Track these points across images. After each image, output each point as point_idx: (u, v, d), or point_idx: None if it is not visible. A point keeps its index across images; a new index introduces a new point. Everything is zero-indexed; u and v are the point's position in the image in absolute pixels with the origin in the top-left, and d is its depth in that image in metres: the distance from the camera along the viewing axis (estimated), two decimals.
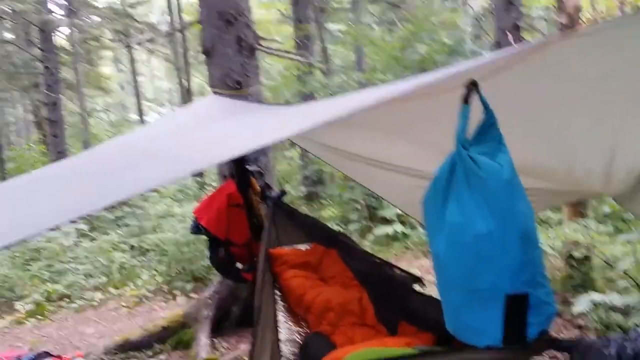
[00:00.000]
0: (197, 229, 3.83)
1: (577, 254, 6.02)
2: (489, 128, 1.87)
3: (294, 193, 12.40)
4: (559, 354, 4.65)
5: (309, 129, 2.15)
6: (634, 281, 4.84)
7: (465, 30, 14.23)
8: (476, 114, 1.87)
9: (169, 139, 3.24)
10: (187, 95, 16.16)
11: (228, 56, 5.80)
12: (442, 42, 12.11)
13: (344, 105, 2.54)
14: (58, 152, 13.95)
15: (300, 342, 3.35)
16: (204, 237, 4.18)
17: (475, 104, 1.86)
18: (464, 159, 1.81)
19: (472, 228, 1.77)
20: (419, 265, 8.14)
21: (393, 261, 5.83)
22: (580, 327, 5.29)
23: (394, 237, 10.09)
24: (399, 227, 10.11)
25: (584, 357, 1.69)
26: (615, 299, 4.78)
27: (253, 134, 2.84)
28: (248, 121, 3.35)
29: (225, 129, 3.21)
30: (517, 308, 1.75)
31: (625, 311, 4.88)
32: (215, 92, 5.44)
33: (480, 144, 1.85)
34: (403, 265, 7.64)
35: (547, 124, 2.24)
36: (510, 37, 7.09)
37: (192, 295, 8.16)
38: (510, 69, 1.87)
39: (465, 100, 1.82)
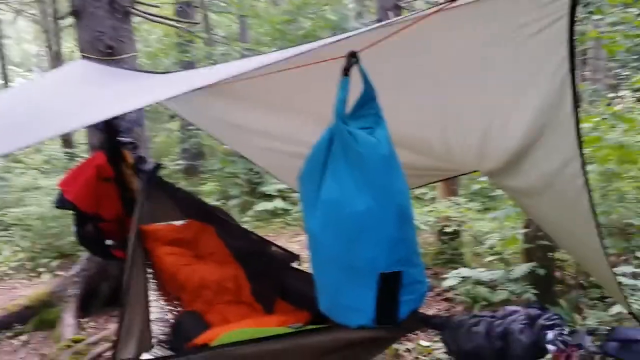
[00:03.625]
0: (62, 202, 3.58)
1: (448, 229, 6.31)
2: (368, 102, 1.82)
3: (173, 167, 12.02)
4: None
5: (182, 93, 2.01)
6: (499, 256, 5.12)
7: (349, 7, 14.43)
8: (357, 87, 1.81)
9: (32, 103, 2.98)
10: (56, 60, 15.08)
11: (99, 18, 5.40)
12: (326, 17, 12.19)
13: (222, 72, 2.43)
14: None
15: (173, 321, 3.22)
16: (70, 211, 3.92)
17: (356, 77, 1.80)
18: (342, 133, 1.75)
19: (349, 205, 1.72)
20: (298, 242, 8.18)
21: (272, 237, 5.73)
22: (448, 299, 5.55)
23: (275, 213, 10.12)
24: (279, 203, 10.14)
25: (453, 334, 1.71)
26: (482, 273, 5.02)
27: (120, 98, 2.65)
28: (118, 86, 3.14)
29: (92, 94, 2.98)
30: (390, 287, 1.73)
31: (491, 285, 5.16)
32: (84, 57, 5.08)
33: (360, 119, 1.79)
34: (282, 241, 7.67)
35: (424, 98, 2.24)
36: (391, 16, 7.23)
37: (58, 272, 7.69)
38: (389, 42, 1.83)
39: (345, 72, 1.75)
